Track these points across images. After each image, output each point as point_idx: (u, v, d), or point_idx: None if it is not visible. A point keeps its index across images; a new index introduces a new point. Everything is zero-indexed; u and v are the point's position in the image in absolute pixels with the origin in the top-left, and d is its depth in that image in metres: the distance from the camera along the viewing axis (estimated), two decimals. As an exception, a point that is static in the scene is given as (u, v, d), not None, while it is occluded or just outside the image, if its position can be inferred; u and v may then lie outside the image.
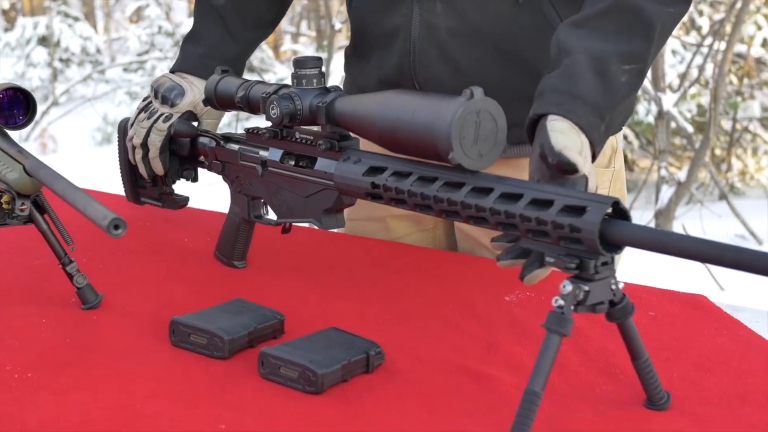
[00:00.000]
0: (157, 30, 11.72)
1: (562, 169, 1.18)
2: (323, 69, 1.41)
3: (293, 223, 1.50)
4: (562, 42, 1.33)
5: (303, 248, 1.67)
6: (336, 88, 1.39)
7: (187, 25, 11.06)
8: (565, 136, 1.21)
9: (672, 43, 6.43)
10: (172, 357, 1.29)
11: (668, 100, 5.40)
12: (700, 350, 1.31)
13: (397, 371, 1.25)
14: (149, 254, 1.64)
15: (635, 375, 1.17)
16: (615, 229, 1.06)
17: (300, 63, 1.38)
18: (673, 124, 5.74)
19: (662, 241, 1.03)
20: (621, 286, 1.11)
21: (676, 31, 6.74)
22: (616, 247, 1.07)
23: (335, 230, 1.56)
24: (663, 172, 5.38)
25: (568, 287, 1.07)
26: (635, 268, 1.66)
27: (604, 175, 1.69)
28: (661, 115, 5.32)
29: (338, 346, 1.25)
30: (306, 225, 1.49)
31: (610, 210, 1.07)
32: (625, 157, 6.07)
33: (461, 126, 1.16)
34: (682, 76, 6.66)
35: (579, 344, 1.31)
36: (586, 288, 1.07)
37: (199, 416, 1.14)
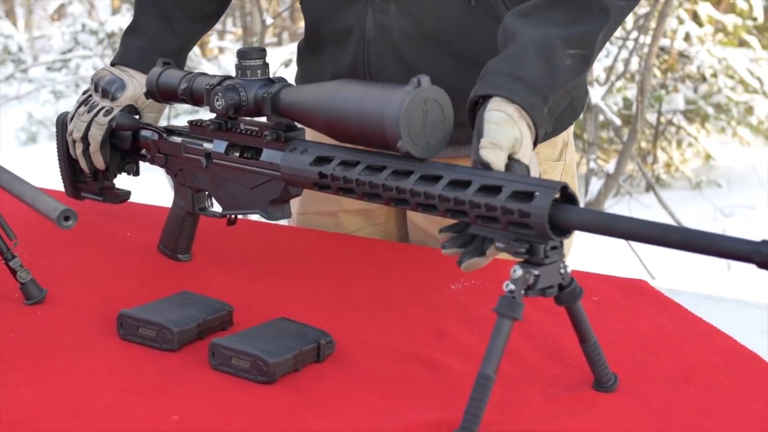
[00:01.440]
0: (81, 28, 11.55)
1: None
2: (267, 60, 1.41)
3: (238, 215, 1.50)
4: (508, 28, 1.34)
5: (248, 240, 1.67)
6: (280, 78, 1.39)
7: (111, 22, 10.93)
8: (498, 128, 1.22)
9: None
10: (121, 350, 1.28)
11: (596, 93, 5.49)
12: (644, 333, 1.34)
13: (348, 360, 1.26)
14: (92, 249, 1.63)
15: (581, 358, 1.20)
16: (564, 213, 1.08)
17: (244, 54, 1.38)
18: (601, 117, 5.82)
19: (610, 224, 1.05)
20: (569, 270, 1.13)
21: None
22: (565, 232, 1.09)
23: (281, 222, 1.56)
24: (592, 165, 5.46)
25: (519, 272, 1.09)
26: (569, 256, 1.71)
27: (555, 168, 1.71)
28: (589, 108, 5.39)
29: (289, 335, 1.25)
30: (252, 217, 1.49)
31: (558, 195, 1.09)
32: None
33: (409, 114, 1.17)
34: (609, 70, 6.75)
35: (525, 329, 1.33)
36: (536, 272, 1.09)
37: (152, 408, 1.14)
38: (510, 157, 1.21)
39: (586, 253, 3.81)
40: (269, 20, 5.14)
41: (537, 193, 1.09)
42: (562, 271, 1.12)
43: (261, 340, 1.23)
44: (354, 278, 1.52)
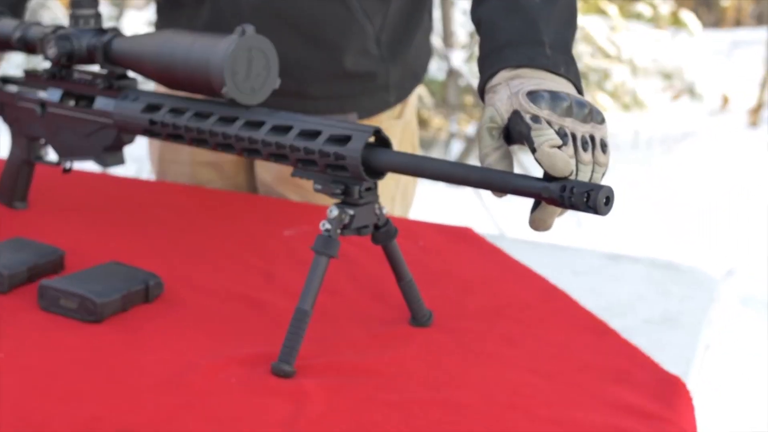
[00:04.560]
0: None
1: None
2: (100, 10, 1.43)
3: (74, 163, 1.51)
4: (476, 22, 1.32)
5: (85, 190, 1.68)
6: (113, 28, 1.41)
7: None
8: (488, 106, 1.16)
9: (462, 4, 6.61)
10: (-52, 295, 1.29)
11: (458, 57, 5.58)
12: (463, 275, 1.42)
13: (176, 300, 1.29)
14: (-74, 198, 1.62)
15: (402, 298, 1.26)
16: (377, 156, 1.13)
17: (76, 4, 1.40)
18: (464, 82, 5.92)
19: (419, 166, 1.11)
20: (385, 211, 1.19)
21: (466, -9, 6.92)
22: (378, 173, 1.15)
23: (117, 171, 1.58)
24: (453, 128, 5.56)
25: (335, 212, 1.15)
26: (417, 210, 1.78)
27: (395, 126, 1.76)
28: (452, 72, 5.48)
29: (118, 277, 1.28)
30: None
31: (372, 139, 1.14)
32: (421, 116, 6.21)
33: (233, 61, 1.21)
34: (472, 34, 6.85)
35: (351, 272, 1.38)
36: (351, 212, 1.15)
37: (-23, 348, 1.15)
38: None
39: (437, 210, 3.91)
40: (129, -21, 5.07)
41: (353, 137, 1.14)
42: (378, 211, 1.18)
43: (90, 281, 1.26)
44: (189, 226, 1.55)
